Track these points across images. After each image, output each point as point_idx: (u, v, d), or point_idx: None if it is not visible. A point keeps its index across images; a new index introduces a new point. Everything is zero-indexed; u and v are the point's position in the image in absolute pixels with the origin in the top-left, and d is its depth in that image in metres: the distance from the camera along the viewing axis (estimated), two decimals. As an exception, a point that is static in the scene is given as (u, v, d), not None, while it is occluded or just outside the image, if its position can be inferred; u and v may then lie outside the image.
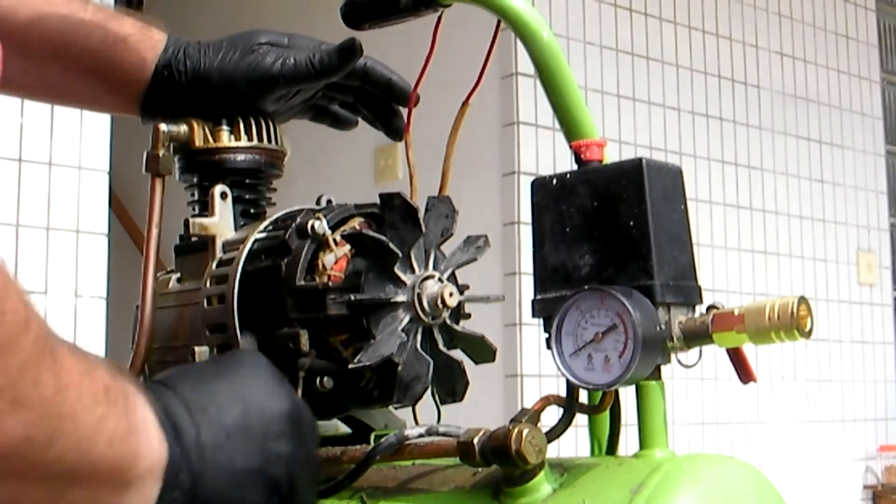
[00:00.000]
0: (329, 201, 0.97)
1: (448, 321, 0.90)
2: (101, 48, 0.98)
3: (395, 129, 1.06)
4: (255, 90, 0.96)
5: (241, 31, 0.99)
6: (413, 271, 0.89)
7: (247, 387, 0.69)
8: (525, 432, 0.76)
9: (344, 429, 1.00)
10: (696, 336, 0.80)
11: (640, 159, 0.81)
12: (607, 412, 0.88)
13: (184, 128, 0.97)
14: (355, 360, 0.85)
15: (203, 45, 0.98)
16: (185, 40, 0.99)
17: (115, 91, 0.99)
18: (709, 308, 0.81)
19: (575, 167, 0.87)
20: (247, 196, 1.00)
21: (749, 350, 0.83)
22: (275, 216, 0.97)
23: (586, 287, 0.80)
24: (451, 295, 0.88)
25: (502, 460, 0.77)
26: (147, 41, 0.98)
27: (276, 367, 0.73)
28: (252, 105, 0.98)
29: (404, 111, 1.04)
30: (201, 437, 0.65)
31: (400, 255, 0.87)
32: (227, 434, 0.66)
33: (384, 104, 1.05)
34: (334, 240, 0.90)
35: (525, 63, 2.74)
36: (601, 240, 0.82)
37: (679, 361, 0.82)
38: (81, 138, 2.33)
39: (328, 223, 0.90)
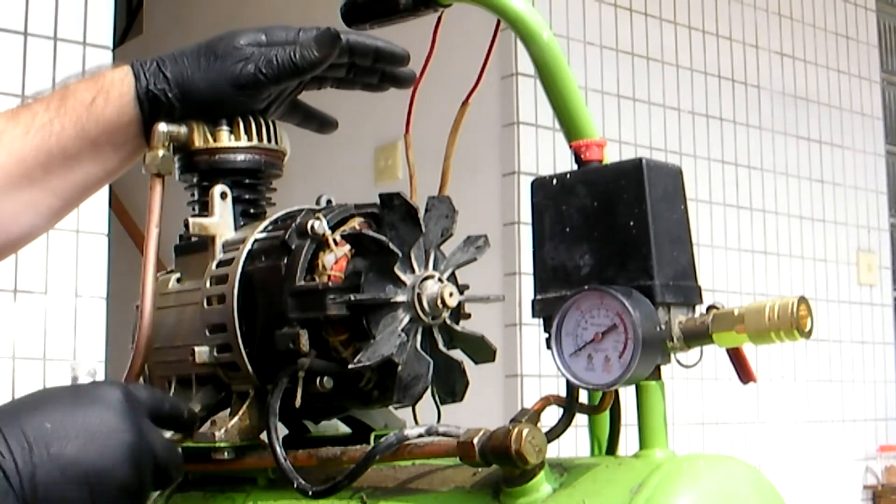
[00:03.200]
0: (329, 201, 0.97)
1: (448, 321, 0.90)
2: (79, 127, 0.97)
3: (402, 79, 1.04)
4: (242, 94, 0.95)
5: (217, 34, 0.98)
6: (413, 271, 0.89)
7: (91, 421, 0.76)
8: (525, 432, 0.76)
9: (344, 429, 1.00)
10: (696, 336, 0.80)
11: (640, 159, 0.81)
12: (607, 412, 0.88)
13: (183, 128, 0.97)
14: (355, 360, 0.85)
15: (178, 55, 0.96)
16: (154, 57, 0.97)
17: (119, 144, 0.98)
18: (709, 308, 0.81)
19: (575, 167, 0.87)
20: (247, 196, 1.00)
21: (749, 350, 0.83)
22: (275, 216, 0.97)
23: (586, 287, 0.80)
24: (451, 295, 0.88)
25: (502, 460, 0.77)
26: (108, 85, 0.97)
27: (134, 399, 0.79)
28: (242, 108, 0.97)
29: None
30: (36, 476, 0.72)
31: (400, 255, 0.87)
32: (62, 471, 0.73)
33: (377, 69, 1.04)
34: (334, 240, 0.90)
35: (525, 63, 2.74)
36: (601, 240, 0.82)
37: (679, 361, 0.82)
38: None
39: (328, 223, 0.90)
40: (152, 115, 0.96)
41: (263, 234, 0.94)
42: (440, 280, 0.89)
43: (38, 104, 0.98)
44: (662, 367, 0.81)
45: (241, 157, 0.98)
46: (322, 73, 1.02)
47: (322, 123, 1.09)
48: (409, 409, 0.92)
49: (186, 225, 0.96)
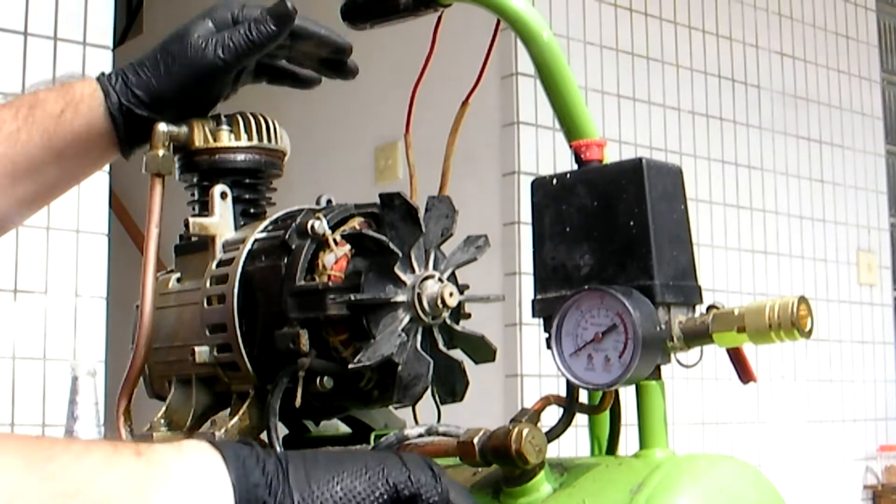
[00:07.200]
0: (329, 201, 0.97)
1: (448, 321, 0.90)
2: (46, 138, 0.97)
3: (345, 71, 1.03)
4: (208, 85, 0.96)
5: (168, 35, 0.97)
6: (413, 271, 0.89)
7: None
8: (525, 432, 0.76)
9: (344, 429, 1.00)
10: (696, 336, 0.80)
11: (640, 159, 0.81)
12: (607, 412, 0.88)
13: (184, 128, 0.97)
14: (355, 360, 0.85)
15: (139, 66, 0.96)
16: (116, 71, 0.97)
17: (84, 153, 0.99)
18: (709, 308, 0.81)
19: (575, 167, 0.87)
20: (247, 196, 1.00)
21: (749, 350, 0.83)
22: (275, 216, 0.97)
23: (586, 287, 0.80)
24: (451, 295, 0.88)
25: (502, 460, 0.77)
26: (77, 98, 0.97)
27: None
28: (214, 97, 0.98)
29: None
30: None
31: (400, 254, 0.87)
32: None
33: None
34: (334, 240, 0.90)
35: (525, 63, 2.74)
36: (601, 240, 0.82)
37: (679, 361, 0.82)
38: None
39: (328, 223, 0.90)
40: (128, 126, 0.97)
41: (263, 234, 0.94)
42: (440, 280, 0.89)
43: (5, 110, 0.98)
44: (662, 367, 0.81)
45: (241, 156, 0.99)
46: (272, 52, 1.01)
47: (296, 79, 1.06)
48: (409, 409, 0.92)
49: (186, 225, 0.96)
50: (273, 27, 0.95)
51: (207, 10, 0.98)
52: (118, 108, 0.96)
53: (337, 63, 1.03)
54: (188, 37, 0.96)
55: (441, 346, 0.90)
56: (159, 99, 0.96)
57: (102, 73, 0.98)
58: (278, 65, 1.05)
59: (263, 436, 0.90)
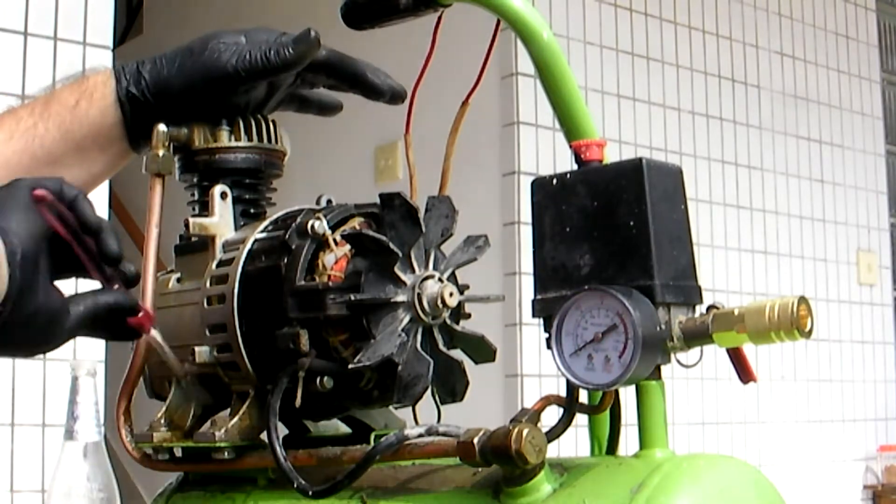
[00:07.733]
0: (329, 201, 0.97)
1: (448, 321, 0.90)
2: (63, 130, 0.97)
3: (393, 95, 1.04)
4: (213, 89, 0.95)
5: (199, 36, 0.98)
6: (413, 271, 0.89)
7: None
8: (525, 432, 0.76)
9: (344, 429, 1.00)
10: (696, 336, 0.80)
11: (640, 159, 0.81)
12: (607, 412, 0.89)
13: (184, 128, 0.97)
14: (355, 360, 0.85)
15: (159, 57, 0.97)
16: (136, 60, 0.97)
17: (104, 146, 0.98)
18: (709, 308, 0.81)
19: (575, 167, 0.87)
20: (247, 196, 1.00)
21: (749, 350, 0.83)
22: (275, 216, 0.97)
23: (586, 287, 0.80)
24: (451, 295, 0.88)
25: (502, 460, 0.77)
26: (91, 87, 0.97)
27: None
28: (216, 104, 0.97)
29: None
30: None
31: (400, 255, 0.87)
32: None
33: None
34: (334, 240, 0.90)
35: (525, 63, 2.74)
36: (601, 240, 0.82)
37: (679, 361, 0.82)
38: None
39: (328, 223, 0.90)
40: (133, 116, 0.97)
41: (263, 234, 0.94)
42: (440, 280, 0.89)
43: (22, 109, 0.99)
44: (662, 367, 0.81)
45: (241, 156, 0.99)
46: (311, 77, 1.01)
47: (321, 107, 1.09)
48: (409, 409, 0.92)
49: (186, 225, 0.96)
50: (291, 52, 0.95)
51: (249, 28, 0.98)
52: (125, 93, 0.96)
53: (389, 93, 1.04)
54: (212, 40, 0.96)
55: (441, 346, 0.90)
56: (165, 91, 0.96)
57: (121, 63, 0.98)
58: (307, 94, 1.05)
59: (263, 436, 0.90)
